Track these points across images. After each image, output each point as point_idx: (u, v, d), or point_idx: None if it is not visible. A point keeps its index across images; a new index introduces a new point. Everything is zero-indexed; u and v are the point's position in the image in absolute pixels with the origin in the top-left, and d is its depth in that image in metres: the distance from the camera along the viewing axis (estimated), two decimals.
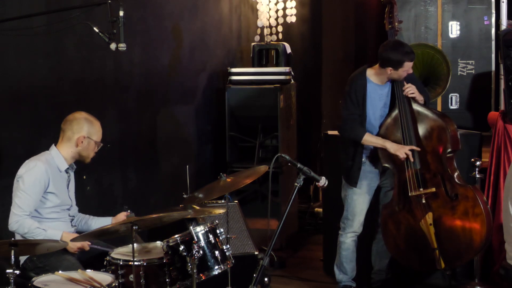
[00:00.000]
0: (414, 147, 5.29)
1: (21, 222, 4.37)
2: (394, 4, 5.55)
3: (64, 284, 4.00)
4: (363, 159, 5.44)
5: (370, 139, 5.34)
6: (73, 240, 4.24)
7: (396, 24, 5.52)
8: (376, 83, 5.37)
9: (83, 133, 4.56)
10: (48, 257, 4.36)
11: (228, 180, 4.81)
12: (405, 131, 5.32)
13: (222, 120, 7.11)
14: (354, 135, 5.35)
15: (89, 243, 4.49)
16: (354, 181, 5.42)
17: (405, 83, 5.34)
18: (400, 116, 5.34)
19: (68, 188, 4.66)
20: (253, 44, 7.53)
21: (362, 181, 5.45)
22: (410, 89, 5.32)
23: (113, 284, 4.02)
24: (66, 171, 4.62)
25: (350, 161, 5.42)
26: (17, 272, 3.80)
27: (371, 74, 5.38)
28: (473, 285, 5.72)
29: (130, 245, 4.32)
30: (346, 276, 5.61)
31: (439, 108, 6.53)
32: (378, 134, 5.41)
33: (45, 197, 4.49)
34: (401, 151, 5.27)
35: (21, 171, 4.46)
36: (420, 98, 5.38)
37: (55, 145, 4.60)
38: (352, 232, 5.53)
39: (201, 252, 4.28)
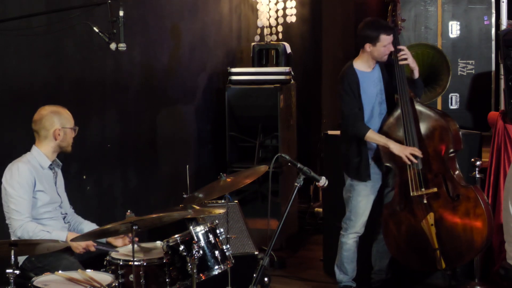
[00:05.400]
0: (416, 150, 5.27)
1: (24, 227, 4.37)
2: (398, 3, 5.55)
3: (64, 284, 3.99)
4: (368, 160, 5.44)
5: (373, 137, 5.33)
6: (73, 240, 4.23)
7: (399, 22, 5.53)
8: (364, 70, 5.40)
9: (56, 126, 4.54)
10: (47, 257, 4.36)
11: (228, 180, 4.81)
12: (407, 130, 5.32)
13: (222, 120, 7.11)
14: (357, 131, 5.33)
15: (95, 244, 4.48)
16: (366, 175, 5.40)
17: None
18: (403, 115, 5.33)
19: (56, 185, 4.65)
20: (253, 44, 7.53)
21: (367, 181, 5.44)
22: (403, 54, 5.38)
23: (113, 284, 4.02)
24: (50, 167, 4.61)
25: (356, 158, 5.40)
26: (17, 272, 3.79)
27: (358, 64, 5.42)
28: (473, 285, 5.72)
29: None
30: (346, 276, 5.61)
31: (439, 108, 6.53)
32: (380, 133, 5.41)
33: (35, 196, 4.48)
34: (403, 152, 5.25)
35: (6, 177, 4.45)
36: (414, 65, 5.38)
37: (35, 145, 4.60)
38: (354, 233, 5.52)
39: (201, 252, 4.27)
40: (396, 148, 5.28)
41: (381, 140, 5.34)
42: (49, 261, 4.39)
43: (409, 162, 5.26)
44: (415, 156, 5.27)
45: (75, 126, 4.63)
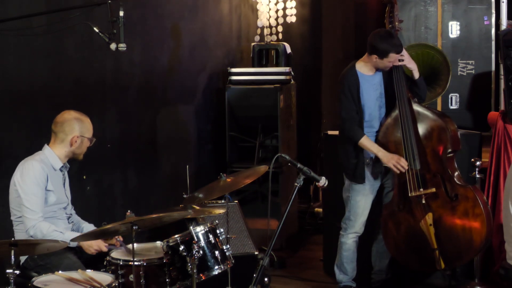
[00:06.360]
0: (403, 161, 5.26)
1: (37, 226, 4.37)
2: (395, 4, 5.56)
3: (64, 284, 4.00)
4: (367, 160, 5.44)
5: (365, 144, 5.34)
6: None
7: (397, 23, 5.53)
8: (366, 74, 5.40)
9: (75, 133, 4.56)
10: (49, 255, 4.35)
11: (228, 180, 4.81)
12: (405, 131, 5.32)
13: (222, 120, 7.11)
14: (352, 135, 5.35)
15: (106, 244, 4.48)
16: (361, 178, 5.41)
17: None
18: (400, 116, 5.34)
19: (64, 187, 4.67)
20: (253, 44, 7.53)
21: (365, 181, 5.44)
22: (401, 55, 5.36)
23: (113, 284, 4.02)
24: (61, 169, 4.62)
25: (354, 159, 5.41)
26: (17, 272, 3.80)
27: (360, 66, 5.41)
28: (473, 285, 5.72)
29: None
30: (346, 276, 5.61)
31: (439, 108, 6.53)
32: (378, 134, 5.41)
33: (45, 195, 4.49)
34: (391, 162, 5.27)
35: (18, 174, 4.45)
36: (411, 65, 5.37)
37: (48, 145, 4.60)
38: (354, 233, 5.52)
39: (201, 252, 4.28)
40: (385, 157, 5.30)
41: (373, 149, 5.35)
42: (51, 259, 4.39)
43: (397, 171, 5.28)
44: (413, 155, 5.29)
45: (93, 137, 4.65)
